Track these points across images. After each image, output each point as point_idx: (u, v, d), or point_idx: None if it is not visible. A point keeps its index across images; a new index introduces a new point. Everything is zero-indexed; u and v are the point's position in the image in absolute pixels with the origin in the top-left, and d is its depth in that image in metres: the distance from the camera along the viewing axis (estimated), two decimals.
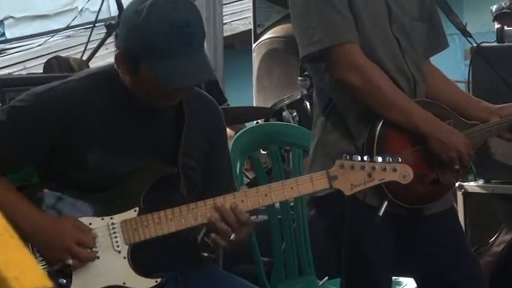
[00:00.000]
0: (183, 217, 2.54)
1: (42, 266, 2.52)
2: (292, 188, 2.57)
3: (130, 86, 2.57)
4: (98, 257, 2.53)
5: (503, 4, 4.94)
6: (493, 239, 4.22)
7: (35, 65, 8.24)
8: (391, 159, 2.56)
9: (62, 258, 2.50)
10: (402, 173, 2.57)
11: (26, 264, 1.18)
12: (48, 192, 2.59)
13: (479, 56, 3.93)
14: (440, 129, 2.86)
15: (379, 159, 2.56)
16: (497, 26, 4.71)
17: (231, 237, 2.52)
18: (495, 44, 4.49)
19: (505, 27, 4.55)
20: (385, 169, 2.56)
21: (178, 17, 2.47)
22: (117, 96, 2.60)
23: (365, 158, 2.56)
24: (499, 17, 4.78)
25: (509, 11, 4.76)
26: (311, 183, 2.57)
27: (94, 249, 2.53)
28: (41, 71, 4.28)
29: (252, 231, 2.63)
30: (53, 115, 2.56)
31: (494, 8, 5.01)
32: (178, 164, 2.60)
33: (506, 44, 4.47)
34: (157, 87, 2.51)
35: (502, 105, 3.06)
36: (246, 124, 4.55)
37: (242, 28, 8.76)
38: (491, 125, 3.01)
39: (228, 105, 4.60)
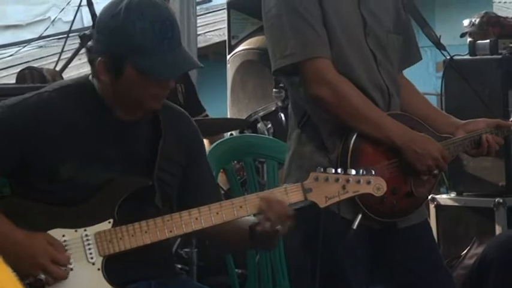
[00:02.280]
0: (158, 229, 2.54)
1: None
2: None
3: (112, 94, 2.57)
4: (72, 269, 2.52)
5: (474, 19, 4.98)
6: (465, 251, 4.25)
7: (7, 75, 8.19)
8: (365, 172, 2.58)
9: (34, 273, 2.49)
10: (376, 185, 2.59)
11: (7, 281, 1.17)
12: (21, 203, 2.57)
13: (451, 68, 3.97)
14: (413, 140, 2.88)
15: (353, 171, 2.58)
16: (469, 39, 4.75)
17: (278, 228, 2.54)
18: (467, 56, 4.54)
19: (477, 41, 4.59)
20: (359, 181, 2.58)
21: (158, 13, 2.51)
22: (92, 108, 2.59)
23: (339, 170, 2.58)
24: (470, 32, 4.83)
25: (479, 27, 4.80)
26: (286, 195, 2.58)
27: (68, 265, 2.51)
28: (13, 81, 4.25)
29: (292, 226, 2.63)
30: (25, 127, 2.55)
31: (466, 22, 5.05)
32: (153, 177, 2.60)
33: (478, 56, 4.52)
34: (144, 86, 2.52)
35: (468, 120, 3.07)
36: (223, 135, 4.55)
37: (216, 39, 8.77)
38: (464, 139, 3.02)
39: (207, 115, 4.60)
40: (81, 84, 2.63)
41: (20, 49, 9.63)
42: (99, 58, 2.54)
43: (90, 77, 2.61)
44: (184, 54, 2.56)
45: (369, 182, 2.59)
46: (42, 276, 2.48)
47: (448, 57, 3.38)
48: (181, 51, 2.55)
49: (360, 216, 2.79)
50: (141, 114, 2.61)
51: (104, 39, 2.54)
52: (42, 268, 2.48)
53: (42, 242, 2.50)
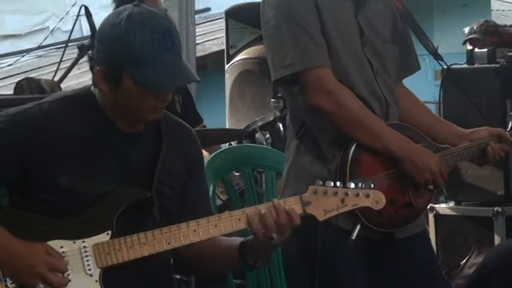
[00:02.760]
0: (156, 241, 2.54)
1: None
2: None
3: (111, 105, 2.57)
4: (70, 280, 2.52)
5: (475, 27, 4.99)
6: (464, 261, 4.25)
7: (5, 85, 8.20)
8: (363, 185, 2.58)
9: (33, 283, 2.49)
10: (375, 198, 2.59)
11: None
12: (20, 214, 2.57)
13: (449, 77, 3.97)
14: (413, 151, 2.89)
15: (352, 185, 2.58)
16: (468, 47, 4.76)
17: (273, 236, 2.53)
18: (465, 65, 4.54)
19: (475, 49, 4.60)
20: (358, 195, 2.58)
21: (158, 24, 2.51)
22: (93, 119, 2.59)
23: (338, 183, 2.58)
24: (470, 40, 4.84)
25: (478, 36, 4.82)
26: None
27: (66, 274, 2.51)
28: (11, 91, 4.25)
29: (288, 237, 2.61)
30: (26, 136, 2.55)
31: (466, 30, 5.07)
32: (152, 189, 2.60)
33: (475, 65, 4.53)
34: (142, 97, 2.52)
35: (472, 129, 3.09)
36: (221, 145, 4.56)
37: (215, 48, 8.78)
38: (462, 149, 3.03)
39: (204, 125, 4.60)
40: (82, 94, 2.63)
41: (19, 59, 9.64)
42: (98, 67, 2.54)
43: (92, 87, 2.61)
44: (183, 67, 2.55)
45: (367, 195, 2.59)
46: (41, 286, 2.49)
47: (446, 66, 3.38)
48: (180, 63, 2.55)
49: (358, 226, 2.79)
50: (141, 126, 2.61)
51: (104, 48, 2.54)
52: (41, 277, 2.48)
53: (39, 251, 2.50)
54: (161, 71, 2.49)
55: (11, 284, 2.51)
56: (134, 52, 2.48)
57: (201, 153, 2.79)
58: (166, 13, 2.61)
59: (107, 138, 2.59)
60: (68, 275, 2.52)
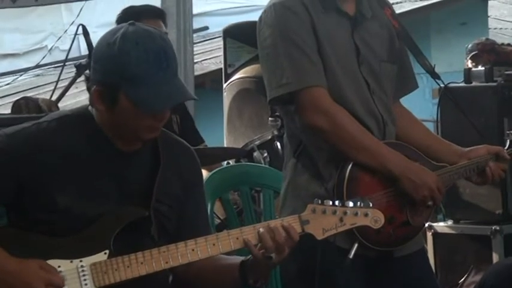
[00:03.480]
0: (154, 260, 2.53)
1: None
2: None
3: (108, 124, 2.57)
4: None
5: (476, 44, 5.01)
6: (462, 279, 4.25)
7: (3, 104, 8.20)
8: (362, 204, 2.58)
9: None
10: (373, 217, 2.59)
11: None
12: (17, 234, 2.57)
13: (447, 96, 3.98)
14: (410, 169, 2.89)
15: (351, 203, 2.58)
16: (470, 64, 4.77)
17: (272, 256, 2.53)
18: (462, 84, 4.55)
19: (472, 69, 4.61)
20: (356, 214, 2.58)
21: (153, 43, 2.51)
22: (91, 139, 2.59)
23: (336, 202, 2.58)
24: (472, 57, 4.86)
25: (479, 52, 4.83)
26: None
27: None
28: (9, 110, 4.26)
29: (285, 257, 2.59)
30: (23, 156, 2.55)
31: (469, 46, 5.09)
32: (150, 208, 2.60)
33: (473, 84, 4.54)
34: (138, 117, 2.52)
35: (471, 148, 3.09)
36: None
37: (213, 67, 8.79)
38: (460, 167, 3.04)
39: (206, 145, 4.60)
40: (80, 114, 2.63)
41: (17, 78, 9.65)
42: (95, 87, 2.55)
43: (90, 107, 2.62)
44: (179, 86, 2.55)
45: (366, 215, 2.59)
46: None
47: (443, 85, 3.39)
48: (176, 82, 2.54)
49: (356, 245, 2.79)
50: (139, 145, 2.61)
51: (100, 68, 2.54)
52: None
53: (34, 267, 2.49)
54: (156, 90, 2.49)
55: None
56: (129, 71, 2.48)
57: (200, 170, 2.79)
58: (161, 32, 2.59)
59: (104, 157, 2.59)
60: None
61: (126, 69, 2.48)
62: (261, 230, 2.54)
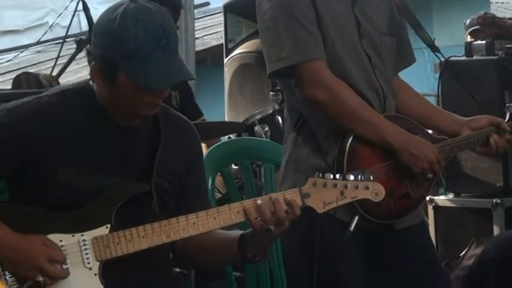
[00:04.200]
0: (155, 234, 2.54)
1: (12, 283, 2.51)
2: None
3: (108, 99, 2.57)
4: (69, 274, 2.52)
5: (475, 19, 4.99)
6: (463, 252, 4.26)
7: (4, 81, 8.20)
8: (363, 177, 2.58)
9: (32, 275, 2.50)
10: (374, 191, 2.59)
11: None
12: (18, 208, 2.58)
13: (447, 70, 3.98)
14: (409, 142, 2.89)
15: (351, 177, 2.58)
16: (469, 39, 4.76)
17: (271, 228, 2.54)
18: (463, 58, 4.55)
19: (474, 42, 4.60)
20: (357, 187, 2.59)
21: (153, 20, 2.50)
22: (91, 113, 2.60)
23: (337, 176, 2.58)
24: (471, 32, 4.84)
25: (479, 27, 4.81)
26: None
27: (65, 266, 2.52)
28: (10, 86, 4.26)
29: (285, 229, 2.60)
30: (24, 130, 2.55)
31: (468, 21, 5.07)
32: (151, 182, 2.60)
33: (474, 57, 4.53)
34: (137, 93, 2.52)
35: (472, 117, 3.09)
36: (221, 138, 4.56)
37: (214, 43, 8.78)
38: (460, 140, 3.04)
39: (204, 119, 4.61)
40: (81, 88, 2.63)
41: (18, 54, 9.64)
42: (94, 62, 2.55)
43: (90, 81, 2.62)
44: (178, 64, 2.54)
45: (367, 188, 2.59)
46: (41, 279, 2.49)
47: (443, 58, 3.39)
48: (176, 60, 2.53)
49: (356, 218, 2.80)
50: (138, 121, 2.61)
51: (99, 43, 2.54)
52: (40, 269, 2.49)
53: (37, 243, 2.51)
54: (154, 68, 2.49)
55: (9, 277, 2.52)
56: (128, 48, 2.48)
57: (200, 145, 2.79)
58: (163, 10, 2.57)
59: (105, 132, 2.60)
60: (66, 264, 2.52)
61: (125, 46, 2.48)
62: (259, 202, 2.54)
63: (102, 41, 2.53)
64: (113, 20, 2.50)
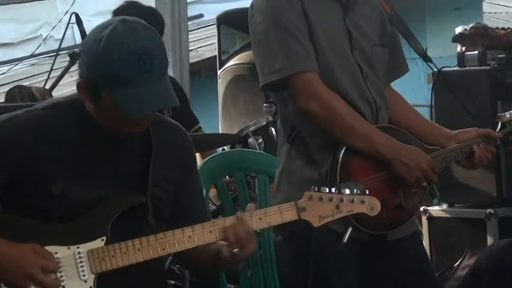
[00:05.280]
0: (151, 247, 2.54)
1: None
2: (260, 219, 2.58)
3: (96, 114, 2.58)
4: (63, 286, 2.52)
5: (467, 28, 5.01)
6: (457, 263, 4.26)
7: None
8: (358, 191, 2.59)
9: (24, 285, 2.48)
10: (370, 205, 2.60)
11: None
12: (13, 220, 2.57)
13: (440, 80, 3.99)
14: (402, 152, 2.91)
15: (347, 190, 2.59)
16: (458, 48, 4.77)
17: (235, 251, 2.55)
18: (456, 68, 4.56)
19: (465, 52, 4.62)
20: (353, 201, 2.60)
21: (138, 44, 2.48)
22: (83, 125, 2.60)
23: (333, 189, 2.59)
24: (459, 38, 4.85)
25: (467, 33, 4.83)
26: (280, 214, 2.59)
27: (59, 275, 2.51)
28: (3, 100, 4.26)
29: (256, 250, 2.63)
30: (15, 143, 2.55)
31: (458, 30, 5.09)
32: (147, 194, 2.61)
33: (466, 68, 4.55)
34: (120, 115, 2.52)
35: (460, 130, 3.10)
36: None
37: (208, 54, 8.78)
38: (452, 150, 3.05)
39: (200, 127, 4.61)
40: (72, 101, 2.63)
41: (12, 67, 9.63)
42: (80, 80, 2.55)
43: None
44: (161, 89, 2.50)
45: (362, 202, 2.60)
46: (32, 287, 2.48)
47: (436, 69, 3.40)
48: (159, 85, 2.50)
49: (350, 229, 2.80)
50: (127, 134, 2.61)
51: (85, 62, 2.54)
52: (31, 278, 2.48)
53: (28, 252, 2.49)
54: (136, 94, 2.47)
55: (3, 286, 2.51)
56: (111, 72, 2.47)
57: (193, 151, 2.78)
58: (151, 31, 2.54)
59: (96, 143, 2.60)
60: (61, 276, 2.51)
61: (109, 69, 2.47)
62: (227, 223, 2.54)
63: (87, 60, 2.53)
64: (99, 41, 2.49)
